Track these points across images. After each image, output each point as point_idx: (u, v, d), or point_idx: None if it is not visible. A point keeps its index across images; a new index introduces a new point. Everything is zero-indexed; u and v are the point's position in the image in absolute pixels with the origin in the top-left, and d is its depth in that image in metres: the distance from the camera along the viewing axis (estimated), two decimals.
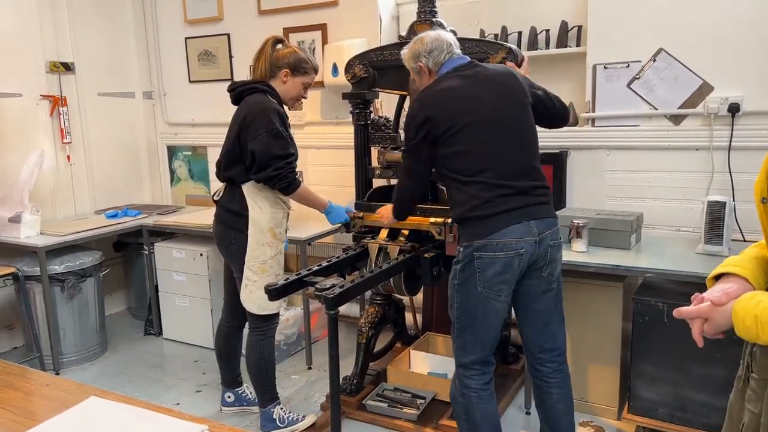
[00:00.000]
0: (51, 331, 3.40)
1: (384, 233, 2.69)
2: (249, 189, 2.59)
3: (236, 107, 2.63)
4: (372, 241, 2.65)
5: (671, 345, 2.45)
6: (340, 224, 2.83)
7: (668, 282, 2.55)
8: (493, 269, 2.02)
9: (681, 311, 1.21)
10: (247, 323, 2.78)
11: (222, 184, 2.71)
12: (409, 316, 3.47)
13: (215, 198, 2.72)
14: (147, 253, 3.86)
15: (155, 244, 3.82)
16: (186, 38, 4.36)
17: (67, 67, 4.01)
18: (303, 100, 2.83)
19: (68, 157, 4.04)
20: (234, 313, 2.80)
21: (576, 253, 2.67)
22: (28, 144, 3.77)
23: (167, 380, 3.35)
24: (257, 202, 2.59)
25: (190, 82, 4.42)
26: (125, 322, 4.28)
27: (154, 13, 4.50)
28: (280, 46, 2.68)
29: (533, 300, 2.14)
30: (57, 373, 3.42)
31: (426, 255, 2.46)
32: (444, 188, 2.62)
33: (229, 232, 2.63)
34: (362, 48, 3.32)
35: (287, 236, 2.77)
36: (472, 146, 2.05)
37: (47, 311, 3.37)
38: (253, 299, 2.61)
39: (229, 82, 4.11)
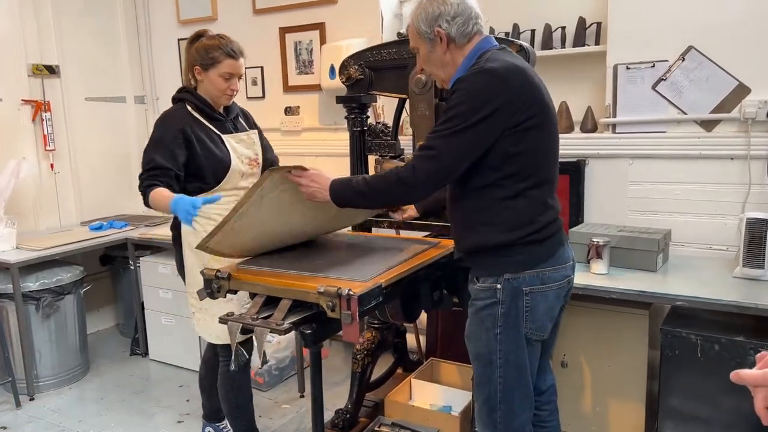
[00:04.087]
0: (25, 353, 3.16)
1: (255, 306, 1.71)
2: None
3: None
4: (233, 318, 1.68)
5: (704, 381, 2.14)
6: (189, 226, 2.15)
7: (701, 310, 2.24)
8: (546, 304, 1.71)
9: (742, 375, 0.89)
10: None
11: None
12: (411, 339, 3.19)
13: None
14: (132, 267, 3.62)
15: (141, 258, 3.57)
16: (179, 39, 4.13)
17: (52, 70, 3.79)
18: (234, 92, 2.39)
19: (51, 165, 3.81)
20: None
21: (595, 275, 2.37)
22: (8, 152, 3.55)
23: (148, 408, 3.09)
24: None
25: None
26: (112, 340, 4.04)
27: (146, 13, 4.28)
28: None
29: (549, 336, 1.86)
30: (32, 399, 3.19)
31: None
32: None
33: (176, 254, 2.41)
34: (362, 48, 3.06)
35: None
36: (539, 149, 1.66)
37: (21, 332, 3.13)
38: (206, 328, 2.34)
39: None
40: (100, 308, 4.19)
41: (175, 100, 2.40)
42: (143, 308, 3.62)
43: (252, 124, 2.59)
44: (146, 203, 2.21)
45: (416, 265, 1.93)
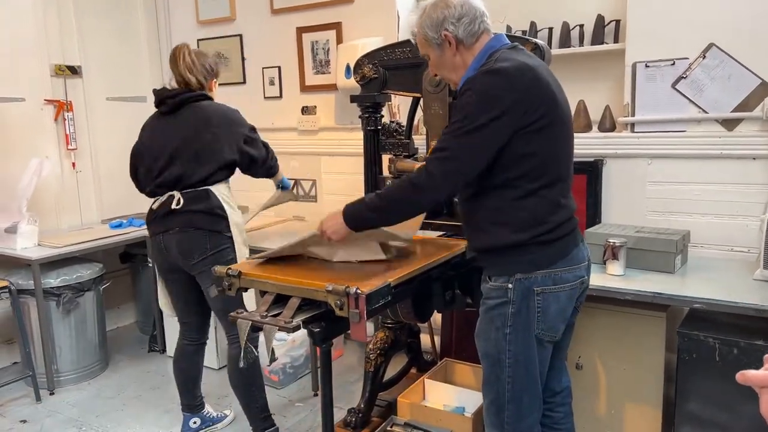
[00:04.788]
0: (46, 349, 3.22)
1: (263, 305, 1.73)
2: (222, 190, 2.54)
3: (170, 114, 2.52)
4: (242, 316, 1.72)
5: (722, 385, 2.09)
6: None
7: (720, 313, 2.19)
8: (557, 305, 1.69)
9: (748, 376, 0.86)
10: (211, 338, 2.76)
11: (170, 193, 2.49)
12: (425, 338, 3.17)
13: (175, 206, 2.46)
14: (151, 265, 3.65)
15: None
16: (198, 40, 4.17)
17: (74, 71, 3.85)
18: None
19: (73, 164, 3.88)
20: (199, 331, 2.71)
21: (611, 276, 2.33)
22: (31, 151, 3.61)
23: (164, 404, 3.12)
24: (230, 203, 2.55)
25: None
26: (131, 337, 4.10)
27: (166, 13, 4.33)
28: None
29: (563, 337, 1.83)
30: (51, 393, 3.24)
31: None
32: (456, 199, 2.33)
33: (204, 237, 2.47)
34: (377, 47, 3.05)
35: None
36: (550, 148, 1.64)
37: (42, 327, 3.19)
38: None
39: (242, 85, 3.98)
40: (120, 305, 4.25)
41: (203, 98, 2.55)
42: None
43: None
44: (274, 173, 2.75)
45: (427, 264, 1.91)
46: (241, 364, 1.73)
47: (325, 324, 1.69)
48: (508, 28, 3.09)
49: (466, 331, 3.17)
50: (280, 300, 1.77)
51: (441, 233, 2.49)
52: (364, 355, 2.73)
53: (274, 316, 1.70)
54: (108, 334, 3.70)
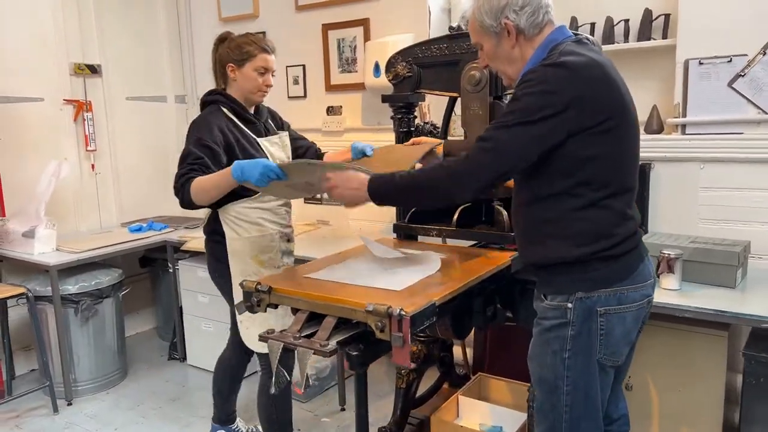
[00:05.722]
0: (63, 358, 3.11)
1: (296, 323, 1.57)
2: (228, 211, 2.22)
3: None
4: (273, 336, 1.54)
5: None
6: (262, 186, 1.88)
7: None
8: (622, 327, 1.53)
9: None
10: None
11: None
12: (457, 351, 3.01)
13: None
14: (171, 270, 3.54)
15: (180, 261, 3.49)
16: None
17: (93, 70, 3.75)
18: (268, 88, 2.33)
19: (92, 165, 3.77)
20: (241, 345, 2.45)
21: (666, 291, 2.15)
22: (50, 152, 3.53)
23: (184, 417, 3.00)
24: (233, 226, 2.22)
25: None
26: (150, 344, 3.99)
27: (187, 11, 4.21)
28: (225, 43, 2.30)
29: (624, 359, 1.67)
30: (69, 404, 3.13)
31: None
32: (501, 209, 2.17)
33: (211, 263, 2.33)
34: (408, 44, 2.90)
35: (292, 256, 2.41)
36: (617, 153, 1.49)
37: (59, 335, 3.09)
38: (252, 336, 2.23)
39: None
40: (139, 310, 4.14)
41: (206, 103, 2.29)
42: (181, 313, 3.55)
43: (279, 124, 2.49)
44: (187, 201, 2.03)
45: (473, 279, 1.76)
46: (273, 391, 1.58)
47: (364, 347, 1.54)
48: None
49: (500, 344, 3.01)
50: (314, 317, 1.63)
51: (472, 243, 2.33)
52: (396, 370, 2.58)
53: (308, 336, 1.56)
54: (127, 341, 3.59)
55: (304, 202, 3.84)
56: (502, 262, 1.93)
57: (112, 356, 3.35)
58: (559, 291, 1.55)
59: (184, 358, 3.63)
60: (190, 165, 2.05)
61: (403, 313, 1.43)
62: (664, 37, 2.69)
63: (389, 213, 3.45)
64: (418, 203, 1.69)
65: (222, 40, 2.32)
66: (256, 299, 1.70)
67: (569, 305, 1.52)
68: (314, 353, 1.49)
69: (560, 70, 1.44)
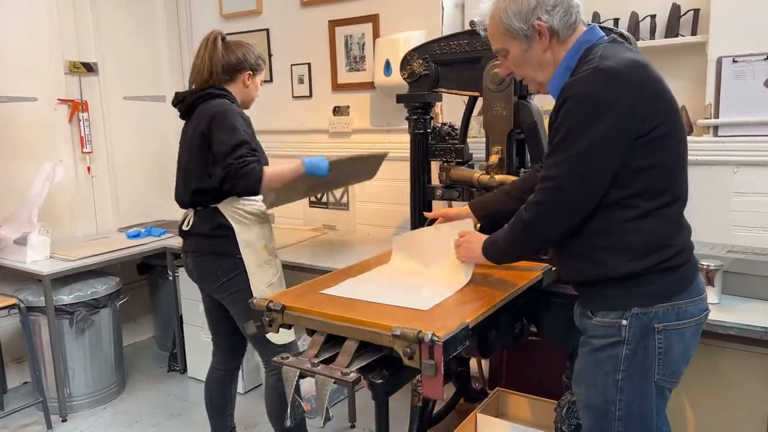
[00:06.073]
0: (58, 371, 2.95)
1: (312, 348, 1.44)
2: (229, 206, 2.18)
3: (186, 120, 2.28)
4: (288, 362, 1.40)
5: None
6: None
7: None
8: (681, 344, 1.42)
9: None
10: (245, 364, 2.45)
11: (187, 210, 2.29)
12: (472, 363, 2.87)
13: (185, 228, 2.26)
14: (171, 278, 3.38)
15: (180, 268, 3.33)
16: None
17: (89, 68, 3.59)
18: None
19: (88, 168, 3.61)
20: (231, 354, 2.44)
21: None
22: (44, 154, 3.37)
23: None
24: (241, 218, 2.19)
25: None
26: (149, 354, 3.83)
27: (187, 6, 4.06)
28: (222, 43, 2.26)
29: None
30: (64, 420, 2.98)
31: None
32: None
33: (215, 262, 2.20)
34: (421, 41, 2.74)
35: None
36: (670, 159, 1.38)
37: (53, 348, 2.92)
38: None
39: (269, 84, 3.69)
40: (137, 319, 3.99)
41: (212, 95, 2.19)
42: (181, 322, 3.39)
43: None
44: (255, 187, 2.06)
45: (507, 296, 1.61)
46: (288, 423, 1.44)
47: (389, 374, 1.39)
48: None
49: (518, 357, 2.86)
50: (332, 337, 1.48)
51: None
52: (411, 387, 2.43)
53: (327, 361, 1.41)
54: (124, 351, 3.43)
55: (309, 206, 3.70)
56: (534, 276, 1.78)
57: (109, 369, 3.19)
58: (612, 307, 1.43)
59: (184, 370, 3.47)
60: (252, 153, 2.08)
61: (436, 338, 1.28)
62: (693, 33, 2.55)
63: (398, 218, 3.32)
64: (519, 256, 1.64)
65: (223, 39, 2.25)
66: (268, 319, 1.55)
67: (624, 322, 1.40)
68: (335, 383, 1.34)
69: (606, 79, 1.33)
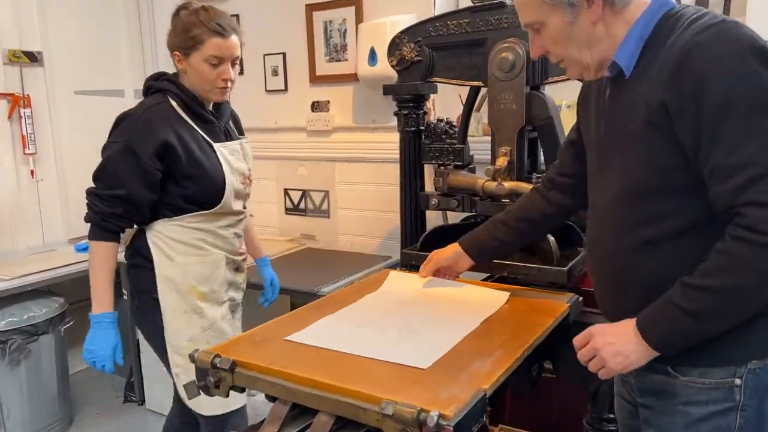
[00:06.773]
0: None
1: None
2: (155, 232, 1.75)
3: None
4: None
5: None
6: None
7: None
8: None
9: None
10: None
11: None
12: None
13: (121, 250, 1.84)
14: (126, 297, 2.97)
15: None
16: None
17: (33, 58, 3.17)
18: (229, 83, 1.77)
19: (32, 171, 3.19)
20: (182, 404, 1.93)
21: None
22: None
23: None
24: (164, 248, 1.73)
25: None
26: (102, 382, 3.36)
27: None
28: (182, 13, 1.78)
29: None
30: None
31: None
32: (548, 236, 1.66)
33: (132, 294, 1.88)
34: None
35: (241, 291, 1.93)
36: None
37: None
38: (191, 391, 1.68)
39: (239, 76, 3.27)
40: None
41: (151, 90, 1.77)
42: (138, 347, 2.99)
43: (241, 131, 1.98)
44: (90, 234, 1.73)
45: (530, 345, 1.24)
46: None
47: None
48: None
49: (521, 392, 2.54)
50: (300, 405, 1.09)
51: (485, 277, 1.83)
52: None
53: None
54: (73, 380, 3.02)
55: (286, 213, 3.33)
56: (561, 311, 1.41)
57: (51, 403, 2.77)
58: (719, 362, 1.07)
59: (142, 401, 3.07)
60: (101, 201, 1.71)
61: (443, 422, 0.90)
62: (726, 14, 2.21)
63: (385, 227, 2.95)
64: (737, 318, 1.03)
65: (176, 14, 1.80)
66: (214, 379, 1.15)
67: (737, 381, 1.07)
68: None
69: (736, 28, 1.00)
